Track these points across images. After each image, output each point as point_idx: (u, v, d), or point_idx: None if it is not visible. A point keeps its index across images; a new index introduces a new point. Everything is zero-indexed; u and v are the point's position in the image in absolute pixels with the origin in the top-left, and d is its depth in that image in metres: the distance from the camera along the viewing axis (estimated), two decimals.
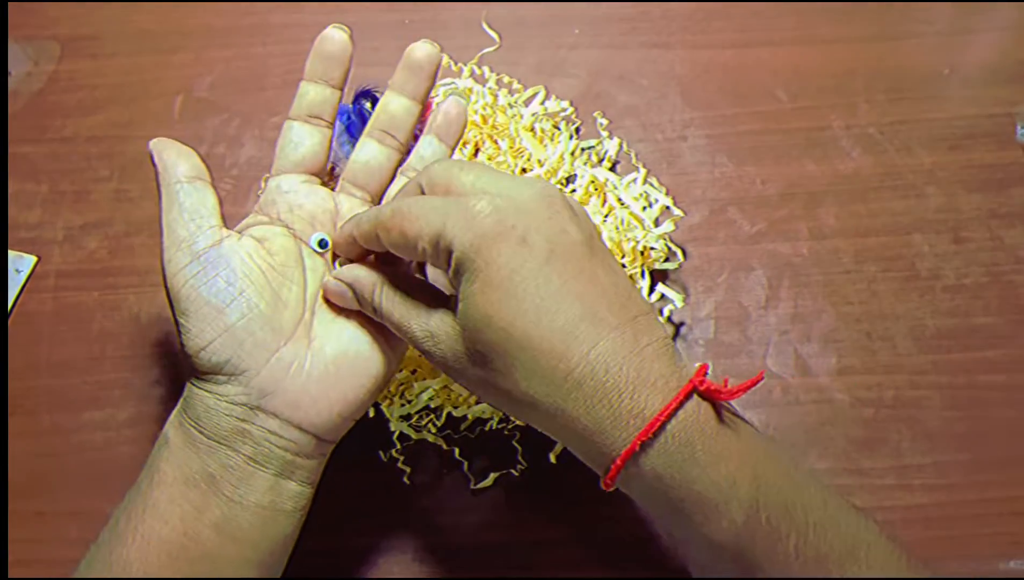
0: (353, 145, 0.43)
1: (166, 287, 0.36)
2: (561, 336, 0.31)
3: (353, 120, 0.49)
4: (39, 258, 0.55)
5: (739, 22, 0.64)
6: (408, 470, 0.48)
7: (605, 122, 0.59)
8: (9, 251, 0.55)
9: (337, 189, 0.42)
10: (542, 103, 0.58)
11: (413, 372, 0.48)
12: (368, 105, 0.50)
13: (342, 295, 0.38)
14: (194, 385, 0.36)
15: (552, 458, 0.48)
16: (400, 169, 0.43)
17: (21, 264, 0.55)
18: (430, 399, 0.47)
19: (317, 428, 0.36)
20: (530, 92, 0.58)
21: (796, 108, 0.60)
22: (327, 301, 0.39)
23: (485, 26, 0.61)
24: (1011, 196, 0.56)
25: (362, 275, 0.37)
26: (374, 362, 0.38)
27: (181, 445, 0.36)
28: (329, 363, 0.37)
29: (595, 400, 0.31)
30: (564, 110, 0.58)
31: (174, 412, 0.37)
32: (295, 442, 0.36)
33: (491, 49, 0.59)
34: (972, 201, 0.56)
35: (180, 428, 0.36)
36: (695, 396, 0.31)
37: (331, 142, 0.42)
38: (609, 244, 0.49)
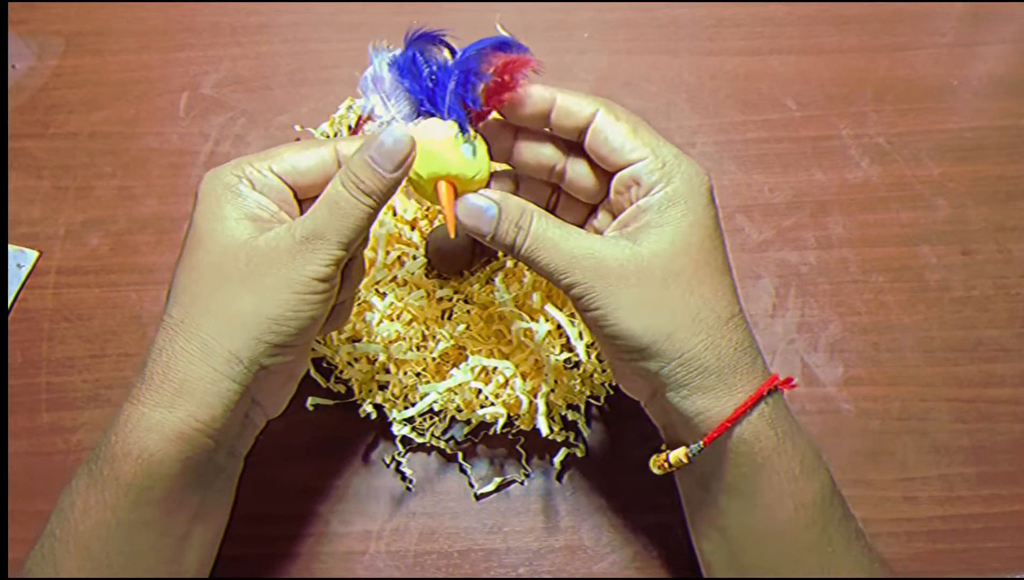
0: (389, 96, 0.38)
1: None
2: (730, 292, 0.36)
3: (404, 65, 0.39)
4: (40, 253, 0.55)
5: (748, 30, 0.64)
6: (410, 473, 0.48)
7: None
8: (10, 246, 0.54)
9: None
10: None
11: (417, 375, 0.48)
12: (426, 52, 0.40)
13: (480, 214, 0.36)
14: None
15: (556, 464, 0.48)
16: None
17: (23, 259, 0.54)
18: (433, 403, 0.46)
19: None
20: None
21: (805, 117, 0.60)
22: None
23: (500, 28, 0.61)
24: (1019, 208, 0.56)
25: (511, 197, 0.36)
26: None
27: None
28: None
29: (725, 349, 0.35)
30: None
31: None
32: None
33: None
34: (980, 213, 0.56)
35: None
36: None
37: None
38: None
